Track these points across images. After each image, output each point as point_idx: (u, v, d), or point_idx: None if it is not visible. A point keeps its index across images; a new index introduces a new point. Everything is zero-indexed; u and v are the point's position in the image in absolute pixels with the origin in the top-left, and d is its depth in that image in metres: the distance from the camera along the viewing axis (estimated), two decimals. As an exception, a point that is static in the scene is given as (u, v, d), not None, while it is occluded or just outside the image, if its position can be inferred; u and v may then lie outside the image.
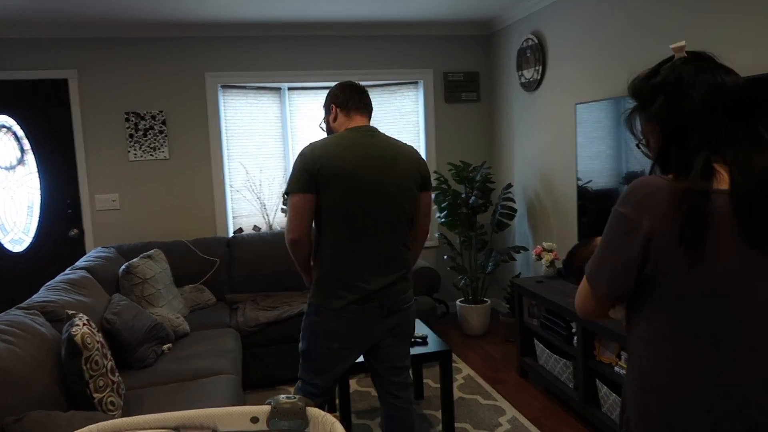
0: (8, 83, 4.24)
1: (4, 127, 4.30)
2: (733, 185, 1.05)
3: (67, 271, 3.26)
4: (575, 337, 3.01)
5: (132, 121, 4.43)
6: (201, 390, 2.61)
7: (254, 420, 1.68)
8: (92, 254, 3.71)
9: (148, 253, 3.74)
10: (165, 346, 3.11)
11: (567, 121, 3.89)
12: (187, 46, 4.50)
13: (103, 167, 4.43)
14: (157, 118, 4.47)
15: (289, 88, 4.91)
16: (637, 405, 1.17)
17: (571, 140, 3.85)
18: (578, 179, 3.46)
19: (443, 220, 4.49)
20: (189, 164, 4.58)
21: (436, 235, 4.86)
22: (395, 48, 4.87)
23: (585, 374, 2.94)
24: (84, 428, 1.44)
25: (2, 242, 4.34)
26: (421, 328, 3.21)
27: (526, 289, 3.45)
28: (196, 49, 4.52)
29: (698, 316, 1.08)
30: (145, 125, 4.45)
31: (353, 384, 3.63)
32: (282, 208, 4.78)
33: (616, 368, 2.71)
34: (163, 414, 1.52)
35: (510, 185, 4.40)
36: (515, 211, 4.42)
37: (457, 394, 3.44)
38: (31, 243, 4.39)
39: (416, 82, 4.99)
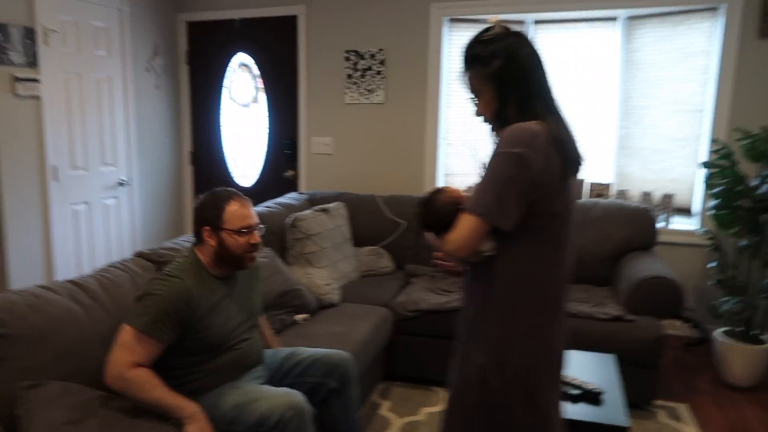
0: (246, 21, 4.33)
1: (244, 65, 4.46)
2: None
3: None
4: None
5: (351, 60, 4.12)
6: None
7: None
8: (279, 199, 3.58)
9: (325, 206, 3.43)
10: (299, 317, 2.76)
11: None
12: (411, -28, 3.91)
13: (320, 109, 4.26)
14: (375, 57, 4.06)
15: (536, 22, 3.94)
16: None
17: None
18: None
19: (714, 212, 3.06)
20: (403, 111, 4.08)
21: (702, 231, 3.39)
22: (686, -41, 3.42)
23: None
24: None
25: (233, 176, 4.61)
26: (605, 374, 2.16)
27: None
28: (420, -25, 3.90)
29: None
30: (363, 65, 4.10)
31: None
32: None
33: None
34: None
35: None
36: None
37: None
38: (256, 180, 4.56)
39: (714, 8, 3.46)
